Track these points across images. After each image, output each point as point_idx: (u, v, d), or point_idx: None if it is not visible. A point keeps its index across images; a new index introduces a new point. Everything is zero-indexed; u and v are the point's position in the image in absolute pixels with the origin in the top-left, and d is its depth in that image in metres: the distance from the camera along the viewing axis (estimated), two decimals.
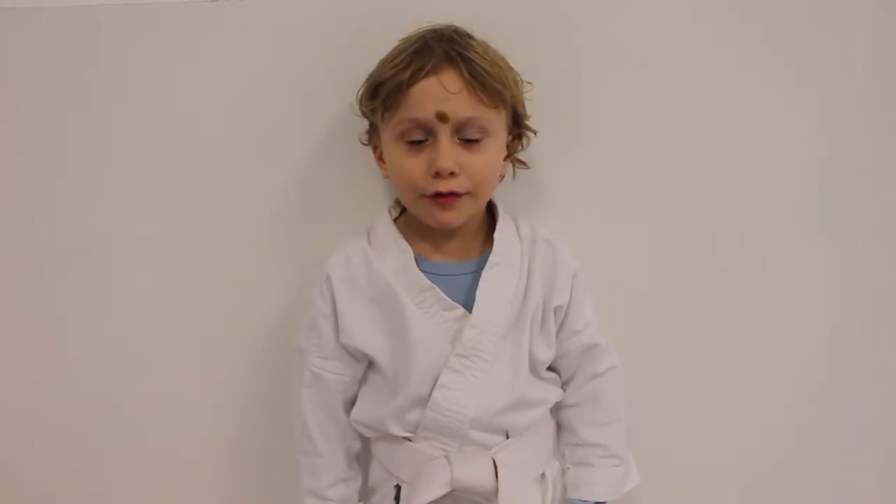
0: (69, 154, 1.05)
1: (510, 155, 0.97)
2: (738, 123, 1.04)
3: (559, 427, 0.99)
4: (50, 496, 1.10)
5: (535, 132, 0.97)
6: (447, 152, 0.87)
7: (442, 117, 0.86)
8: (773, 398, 1.08)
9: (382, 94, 0.88)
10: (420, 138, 0.88)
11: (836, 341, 1.08)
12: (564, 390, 0.98)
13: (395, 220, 0.97)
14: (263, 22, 1.02)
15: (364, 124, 0.97)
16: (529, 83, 0.95)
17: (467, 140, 0.88)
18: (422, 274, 0.91)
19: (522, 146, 0.98)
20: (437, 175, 0.87)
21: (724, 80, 1.03)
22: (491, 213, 0.98)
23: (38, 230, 1.06)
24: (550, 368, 0.97)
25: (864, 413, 1.08)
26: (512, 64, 0.93)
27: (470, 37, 0.91)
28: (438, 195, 0.88)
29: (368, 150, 0.98)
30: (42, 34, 1.03)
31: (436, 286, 0.91)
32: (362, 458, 0.99)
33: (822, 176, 1.05)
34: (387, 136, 0.91)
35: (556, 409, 0.98)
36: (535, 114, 0.97)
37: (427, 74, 0.86)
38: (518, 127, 0.95)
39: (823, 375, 1.08)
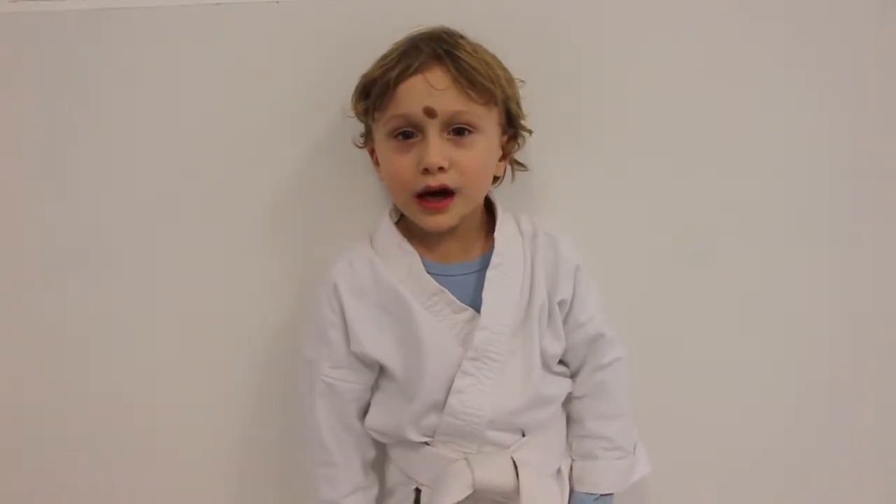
0: (69, 158, 1.04)
1: (506, 155, 0.97)
2: (738, 121, 1.04)
3: (568, 419, 0.99)
4: (55, 500, 1.09)
5: (530, 132, 0.98)
6: (435, 148, 0.87)
7: (429, 112, 0.86)
8: (775, 392, 1.09)
9: (373, 93, 0.89)
10: (409, 132, 0.88)
11: (837, 334, 1.08)
12: (573, 381, 0.98)
13: (396, 223, 0.96)
14: (263, 25, 1.02)
15: (361, 127, 0.97)
16: (522, 81, 0.95)
17: (457, 135, 0.88)
18: (430, 278, 0.91)
19: (518, 146, 0.98)
20: (426, 171, 0.87)
21: (725, 79, 1.04)
22: (491, 211, 0.97)
23: (40, 232, 1.05)
24: (561, 362, 0.97)
25: (866, 407, 1.09)
26: (511, 65, 0.94)
27: (461, 37, 0.91)
28: (428, 193, 0.88)
29: (367, 154, 0.98)
30: (41, 38, 1.02)
31: (445, 290, 0.91)
32: (378, 461, 0.99)
33: (823, 175, 1.06)
34: (379, 135, 0.92)
35: (566, 402, 0.98)
36: (534, 115, 0.97)
37: (414, 73, 0.87)
38: (513, 126, 0.95)
39: (824, 368, 1.09)
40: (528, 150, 1.00)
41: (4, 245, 1.06)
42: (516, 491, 0.88)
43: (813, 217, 1.07)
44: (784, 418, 1.09)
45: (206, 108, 1.03)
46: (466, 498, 0.89)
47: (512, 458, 0.90)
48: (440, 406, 0.89)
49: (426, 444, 0.91)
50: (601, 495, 0.95)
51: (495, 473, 0.89)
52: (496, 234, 0.94)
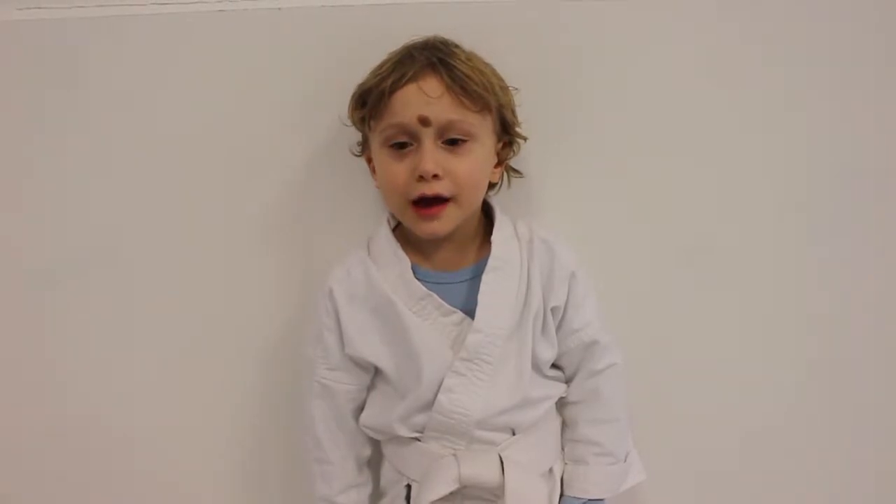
0: (71, 162, 1.06)
1: (502, 162, 0.98)
2: (737, 126, 1.05)
3: (563, 423, 0.99)
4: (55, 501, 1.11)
5: (525, 139, 0.98)
6: (430, 155, 0.88)
7: (424, 121, 0.88)
8: (773, 396, 1.08)
9: (368, 102, 0.91)
10: (405, 142, 0.90)
11: (836, 337, 1.08)
12: (568, 386, 0.98)
13: (394, 229, 0.98)
14: (263, 33, 1.03)
15: (359, 134, 0.99)
16: (516, 88, 0.97)
17: (451, 144, 0.89)
18: (418, 283, 0.93)
19: (514, 152, 0.99)
20: (421, 178, 0.88)
21: (724, 82, 1.04)
22: (488, 217, 0.98)
23: (39, 238, 1.07)
24: (555, 365, 0.98)
25: (864, 409, 1.09)
26: (505, 72, 0.95)
27: (455, 45, 0.93)
28: (422, 201, 0.89)
29: (364, 162, 1.00)
30: (44, 45, 1.04)
31: (433, 293, 0.92)
32: (374, 461, 1.01)
33: (823, 175, 1.05)
34: (374, 143, 0.93)
35: (561, 406, 0.99)
36: (529, 121, 0.98)
37: (408, 81, 0.88)
38: (507, 133, 0.97)
39: (825, 369, 1.08)
40: (524, 156, 1.01)
41: (7, 246, 1.08)
42: (502, 488, 0.89)
43: (813, 217, 1.06)
44: (785, 420, 1.08)
45: (206, 115, 1.05)
46: (454, 494, 0.90)
47: (499, 456, 0.91)
48: (430, 405, 0.91)
49: (416, 439, 0.93)
50: (589, 500, 0.95)
51: (482, 469, 0.90)
52: (493, 237, 0.94)
